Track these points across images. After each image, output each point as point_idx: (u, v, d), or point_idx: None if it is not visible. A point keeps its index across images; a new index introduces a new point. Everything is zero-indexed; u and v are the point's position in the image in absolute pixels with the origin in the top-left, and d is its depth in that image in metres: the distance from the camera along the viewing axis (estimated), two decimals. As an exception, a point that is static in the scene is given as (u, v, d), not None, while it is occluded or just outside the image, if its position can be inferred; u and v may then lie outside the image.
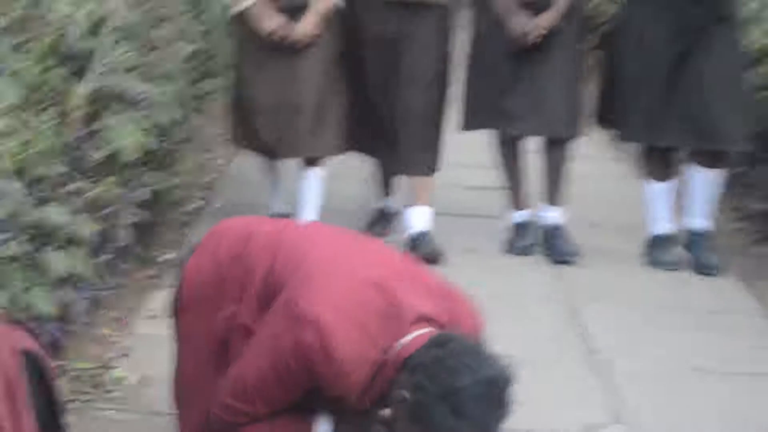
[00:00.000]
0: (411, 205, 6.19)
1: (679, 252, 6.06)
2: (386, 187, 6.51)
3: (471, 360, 2.97)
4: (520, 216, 6.25)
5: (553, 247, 6.10)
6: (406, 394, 2.95)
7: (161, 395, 4.17)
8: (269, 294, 3.21)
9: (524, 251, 6.18)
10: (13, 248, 3.45)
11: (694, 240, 6.00)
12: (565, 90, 6.00)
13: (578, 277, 5.96)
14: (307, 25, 5.75)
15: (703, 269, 5.90)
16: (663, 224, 6.06)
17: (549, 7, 5.86)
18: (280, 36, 5.70)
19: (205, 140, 6.92)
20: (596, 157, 6.46)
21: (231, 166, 7.73)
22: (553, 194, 6.16)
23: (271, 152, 6.03)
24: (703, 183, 5.94)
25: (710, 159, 5.87)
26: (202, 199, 6.94)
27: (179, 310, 3.53)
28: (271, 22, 5.70)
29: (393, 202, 6.50)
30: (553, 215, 6.14)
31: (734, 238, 6.15)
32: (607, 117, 6.14)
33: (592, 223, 6.65)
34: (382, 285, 3.15)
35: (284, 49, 5.78)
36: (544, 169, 6.19)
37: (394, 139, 6.04)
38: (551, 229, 6.15)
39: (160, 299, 5.15)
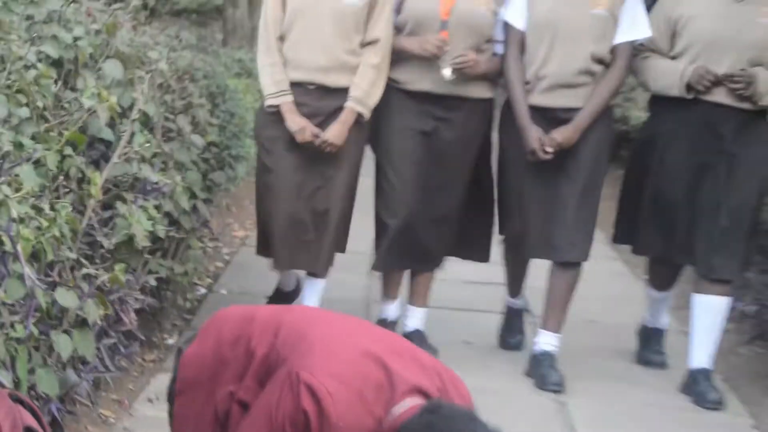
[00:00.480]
0: (411, 304, 5.99)
1: (666, 348, 6.04)
2: (393, 290, 6.08)
3: (462, 424, 2.98)
4: (513, 303, 6.13)
5: (542, 376, 5.57)
6: None
7: (157, 479, 4.26)
8: (270, 371, 3.20)
9: (515, 346, 6.07)
10: (21, 331, 3.42)
11: (693, 378, 5.60)
12: (580, 211, 5.58)
13: (569, 375, 5.67)
14: (334, 132, 5.43)
15: (704, 405, 5.46)
16: (656, 319, 6.03)
17: (571, 117, 5.51)
18: (308, 136, 5.40)
19: (214, 230, 6.90)
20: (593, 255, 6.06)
21: (237, 255, 7.76)
22: (550, 319, 5.70)
23: (284, 263, 5.68)
24: (706, 312, 5.59)
25: (714, 286, 5.56)
26: (208, 287, 6.94)
27: (176, 393, 3.54)
28: (301, 121, 5.41)
29: (393, 311, 6.10)
30: (546, 341, 5.67)
31: (723, 338, 5.88)
32: (623, 234, 5.93)
33: (588, 321, 6.57)
34: (378, 358, 3.17)
35: (310, 154, 5.48)
36: (547, 290, 5.76)
37: (416, 237, 5.74)
38: (540, 356, 5.67)
39: (162, 382, 5.23)
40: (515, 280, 6.08)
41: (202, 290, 6.85)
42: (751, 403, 5.71)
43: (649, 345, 6.07)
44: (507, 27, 5.56)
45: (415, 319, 5.96)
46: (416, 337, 5.77)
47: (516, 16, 5.52)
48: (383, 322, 5.87)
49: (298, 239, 5.57)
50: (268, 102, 5.46)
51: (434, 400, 3.09)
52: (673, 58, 5.50)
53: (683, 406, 5.52)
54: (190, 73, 6.22)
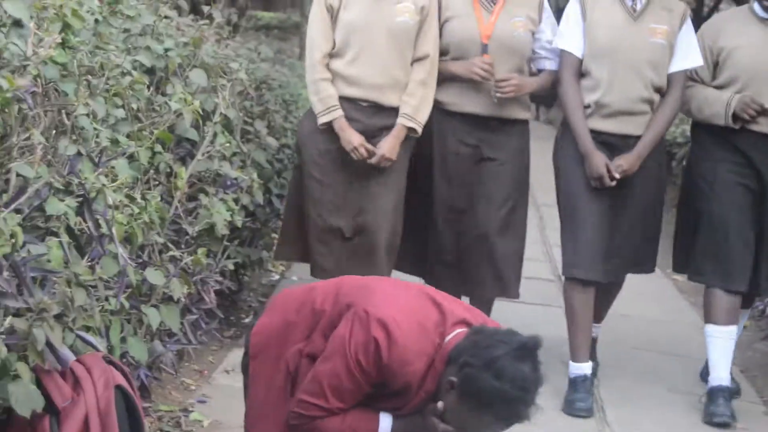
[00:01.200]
0: None
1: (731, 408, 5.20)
2: None
3: (502, 335, 3.18)
4: (576, 369, 5.24)
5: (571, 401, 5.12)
6: (454, 378, 3.12)
7: (230, 437, 4.31)
8: (335, 323, 3.31)
9: (583, 412, 5.12)
10: (114, 303, 3.42)
11: (712, 393, 5.20)
12: (643, 235, 5.33)
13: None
14: (389, 147, 5.12)
15: (714, 421, 5.11)
16: (720, 374, 5.22)
17: (629, 145, 5.19)
18: (363, 153, 5.10)
19: None
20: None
21: None
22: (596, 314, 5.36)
23: (321, 271, 5.20)
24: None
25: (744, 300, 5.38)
26: (281, 273, 7.03)
27: (249, 358, 3.69)
28: (357, 137, 5.10)
29: None
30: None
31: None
32: (682, 262, 5.50)
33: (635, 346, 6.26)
34: (431, 296, 3.37)
35: (358, 169, 5.19)
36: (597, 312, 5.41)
37: (460, 259, 5.37)
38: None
39: (238, 356, 5.37)
40: (583, 332, 5.27)
41: (276, 276, 6.96)
42: (765, 394, 5.71)
43: (716, 402, 5.20)
44: (562, 54, 5.25)
45: None
46: None
47: (572, 42, 5.21)
48: None
49: (347, 250, 5.24)
50: (321, 119, 5.11)
51: (477, 326, 3.28)
52: (718, 87, 5.26)
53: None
54: (267, 83, 6.26)
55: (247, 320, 5.98)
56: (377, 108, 5.18)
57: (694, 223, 5.34)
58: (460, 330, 3.25)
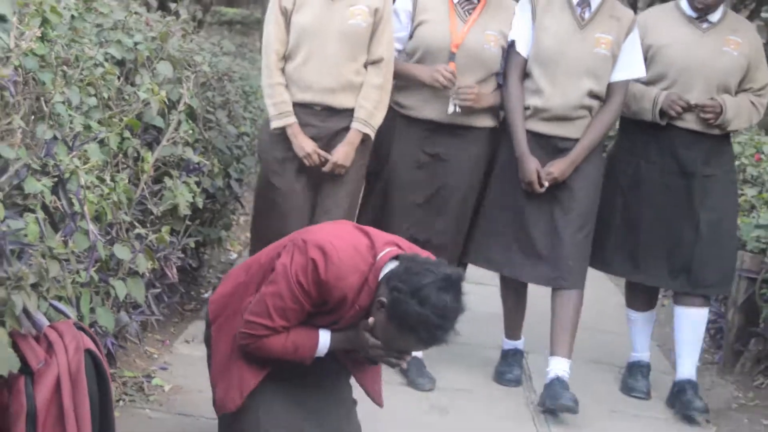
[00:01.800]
0: None
1: (649, 382, 5.31)
2: None
3: (431, 265, 3.33)
4: (508, 345, 5.32)
5: (552, 396, 4.83)
6: (384, 299, 3.28)
7: (189, 400, 4.41)
8: None
9: (512, 382, 5.19)
10: (85, 276, 3.46)
11: (681, 387, 5.11)
12: (576, 237, 4.97)
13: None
14: (342, 154, 4.81)
15: (691, 412, 4.99)
16: (639, 354, 5.36)
17: (567, 147, 4.95)
18: (316, 159, 4.81)
19: (245, 205, 7.10)
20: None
21: None
22: (560, 345, 4.94)
23: None
24: (687, 324, 5.14)
25: (693, 298, 5.14)
26: (238, 252, 7.07)
27: (210, 327, 3.79)
28: (310, 144, 4.78)
29: None
30: (558, 367, 4.91)
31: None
32: (605, 260, 5.26)
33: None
34: (360, 227, 3.60)
35: (317, 176, 4.88)
36: (552, 317, 5.02)
37: None
38: (554, 383, 4.88)
39: (198, 327, 5.32)
40: (515, 319, 5.31)
41: (234, 255, 6.99)
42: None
43: (635, 376, 5.34)
44: (510, 52, 4.97)
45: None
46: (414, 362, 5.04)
47: (521, 44, 4.95)
48: None
49: None
50: (273, 124, 4.79)
51: (408, 253, 3.46)
52: (645, 83, 5.09)
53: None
54: (228, 75, 6.24)
55: (206, 295, 5.99)
56: (331, 111, 4.83)
57: (608, 216, 5.16)
58: (391, 249, 3.45)
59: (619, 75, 4.99)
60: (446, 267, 3.37)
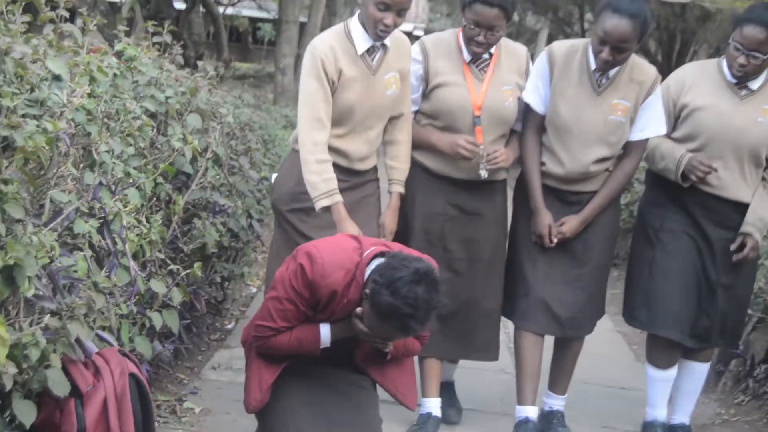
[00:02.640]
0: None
1: None
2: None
3: (408, 261, 3.43)
4: (520, 411, 4.64)
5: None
6: (367, 290, 3.41)
7: (218, 421, 4.46)
8: None
9: None
10: (125, 308, 3.51)
11: (645, 427, 4.84)
12: (589, 291, 4.63)
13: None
14: (391, 221, 4.44)
15: None
16: (655, 411, 4.83)
17: (582, 200, 4.58)
18: None
19: (265, 243, 7.15)
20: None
21: None
22: (559, 384, 4.75)
23: None
24: (692, 377, 4.86)
25: (699, 353, 4.82)
26: (258, 287, 7.07)
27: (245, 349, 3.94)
28: (355, 229, 4.17)
29: None
30: (553, 402, 4.77)
31: None
32: (631, 312, 4.82)
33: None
34: (351, 235, 3.74)
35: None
36: (554, 358, 4.78)
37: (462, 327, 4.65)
38: (549, 415, 4.74)
39: (223, 355, 5.41)
40: (530, 378, 4.63)
41: (254, 289, 7.03)
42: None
43: None
44: (527, 108, 4.56)
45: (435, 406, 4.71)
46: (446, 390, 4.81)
47: (537, 100, 4.52)
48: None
49: None
50: (321, 203, 4.18)
51: (395, 251, 3.57)
52: (673, 140, 4.63)
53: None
54: (249, 125, 6.36)
55: (230, 326, 6.06)
56: (356, 172, 4.43)
57: (639, 271, 4.76)
58: (376, 248, 3.56)
59: (637, 135, 4.55)
60: (421, 262, 3.46)
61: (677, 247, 4.65)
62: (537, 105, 4.55)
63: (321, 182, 4.18)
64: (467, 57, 4.51)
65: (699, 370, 4.87)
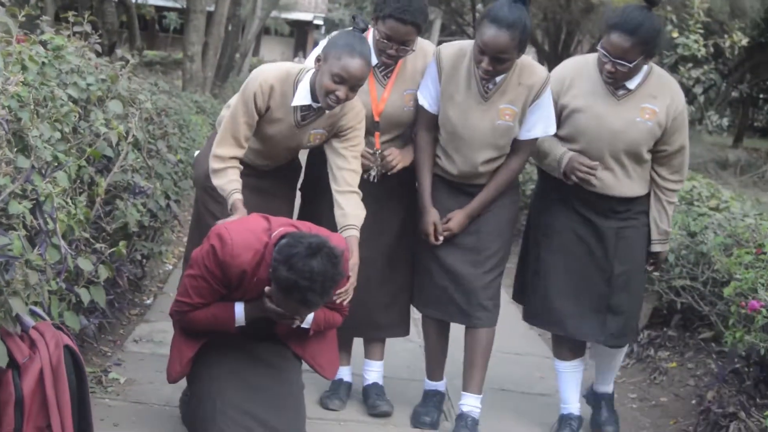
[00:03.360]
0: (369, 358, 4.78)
1: None
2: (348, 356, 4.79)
3: (303, 237, 3.53)
4: (428, 385, 4.67)
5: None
6: (270, 269, 3.48)
7: (142, 390, 4.50)
8: None
9: (428, 425, 4.53)
10: (55, 284, 3.49)
11: (596, 401, 4.78)
12: (485, 278, 4.45)
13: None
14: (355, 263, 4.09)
15: (599, 428, 4.68)
16: (569, 406, 4.66)
17: (476, 191, 4.42)
18: None
19: (182, 222, 7.14)
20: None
21: None
22: (467, 381, 4.52)
23: None
24: (608, 358, 4.71)
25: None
26: (174, 264, 7.12)
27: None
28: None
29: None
30: (467, 402, 4.52)
31: None
32: (519, 293, 4.76)
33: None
34: (264, 216, 3.77)
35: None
36: (465, 354, 4.55)
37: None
38: (460, 417, 4.50)
39: (143, 329, 5.44)
40: (437, 359, 4.66)
41: (170, 267, 7.05)
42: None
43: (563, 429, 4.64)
44: (419, 107, 4.41)
45: (374, 372, 4.77)
46: (374, 390, 4.72)
47: (429, 101, 4.38)
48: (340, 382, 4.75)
49: None
50: (228, 202, 4.07)
51: (299, 231, 3.65)
52: (561, 138, 4.44)
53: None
54: (165, 111, 6.35)
55: (148, 302, 6.06)
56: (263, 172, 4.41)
57: (528, 262, 4.67)
58: (284, 228, 3.64)
59: (525, 135, 4.39)
60: (315, 238, 3.54)
61: (563, 245, 4.49)
62: (429, 105, 4.40)
63: (225, 184, 4.09)
64: (374, 61, 4.35)
65: (614, 354, 4.71)
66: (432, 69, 4.39)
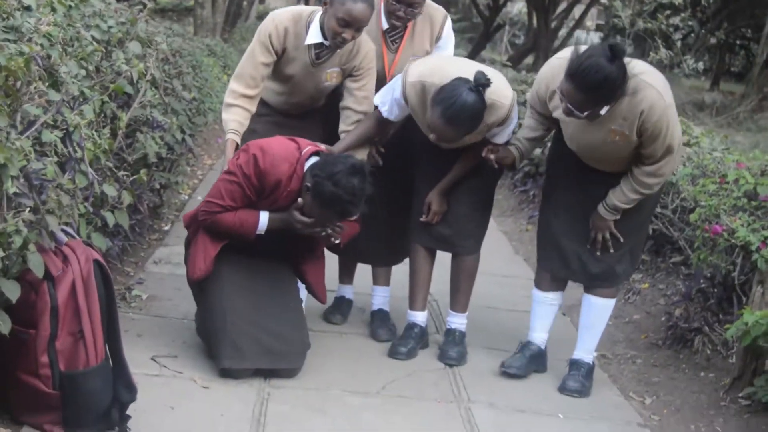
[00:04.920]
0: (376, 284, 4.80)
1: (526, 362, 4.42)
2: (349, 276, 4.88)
3: (342, 159, 3.75)
4: (410, 316, 4.57)
5: (444, 350, 4.48)
6: (309, 183, 3.66)
7: (162, 306, 4.63)
8: None
9: (406, 355, 4.45)
10: (83, 208, 3.61)
11: (570, 364, 4.44)
12: (465, 211, 4.40)
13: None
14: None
15: (564, 391, 4.31)
16: (533, 333, 4.51)
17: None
18: None
19: (196, 155, 7.22)
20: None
21: (207, 175, 7.91)
22: (454, 303, 4.53)
23: None
24: (592, 311, 4.40)
25: (599, 289, 4.38)
26: (188, 194, 7.21)
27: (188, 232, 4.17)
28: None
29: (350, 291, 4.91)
30: (453, 320, 4.54)
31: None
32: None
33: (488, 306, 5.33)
34: (289, 137, 3.93)
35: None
36: (451, 278, 4.54)
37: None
38: (448, 332, 4.55)
39: (162, 252, 5.56)
40: (420, 286, 4.55)
41: (185, 196, 7.12)
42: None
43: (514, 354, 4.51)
44: (377, 110, 4.25)
45: (379, 298, 4.80)
46: (379, 316, 4.74)
47: (390, 111, 4.23)
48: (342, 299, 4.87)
49: None
50: (226, 136, 4.19)
51: (328, 153, 3.87)
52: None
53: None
54: (180, 52, 6.39)
55: (166, 228, 6.16)
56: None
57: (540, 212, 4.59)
58: (311, 147, 3.84)
59: (499, 139, 4.29)
60: (353, 159, 3.76)
61: (559, 196, 4.36)
62: (388, 113, 4.28)
63: (229, 121, 4.16)
64: (385, 25, 4.35)
65: (598, 305, 4.39)
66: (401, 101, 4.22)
